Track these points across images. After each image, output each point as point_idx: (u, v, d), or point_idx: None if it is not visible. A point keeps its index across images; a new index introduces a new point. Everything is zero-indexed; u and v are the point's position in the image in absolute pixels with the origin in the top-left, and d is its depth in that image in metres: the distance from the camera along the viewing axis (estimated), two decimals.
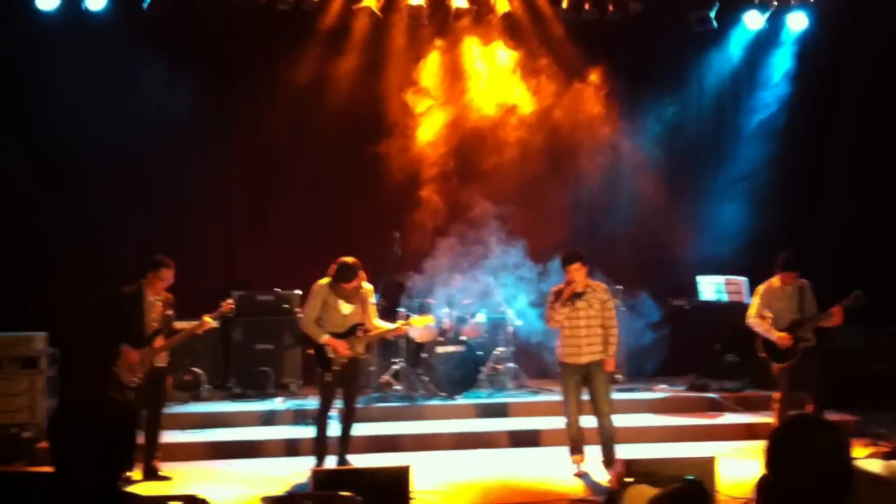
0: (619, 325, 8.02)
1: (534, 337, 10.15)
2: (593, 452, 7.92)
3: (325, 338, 7.72)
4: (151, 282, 7.69)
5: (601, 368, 7.76)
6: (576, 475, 7.80)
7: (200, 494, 5.05)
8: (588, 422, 7.88)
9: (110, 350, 7.55)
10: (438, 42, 11.13)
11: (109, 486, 2.58)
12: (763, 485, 2.71)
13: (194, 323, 7.91)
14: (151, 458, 7.68)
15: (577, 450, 7.88)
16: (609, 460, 7.68)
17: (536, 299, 10.01)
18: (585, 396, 7.86)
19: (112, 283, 8.09)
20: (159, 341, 7.68)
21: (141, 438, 7.49)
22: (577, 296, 7.75)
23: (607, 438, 7.80)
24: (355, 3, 10.74)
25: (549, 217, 11.09)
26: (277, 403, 9.86)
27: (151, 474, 7.63)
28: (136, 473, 7.55)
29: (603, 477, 7.62)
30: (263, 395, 10.18)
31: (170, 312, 7.81)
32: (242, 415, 9.57)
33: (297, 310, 10.05)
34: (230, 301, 8.11)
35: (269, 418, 9.48)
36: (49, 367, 9.01)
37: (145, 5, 10.12)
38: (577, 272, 7.71)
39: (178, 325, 7.96)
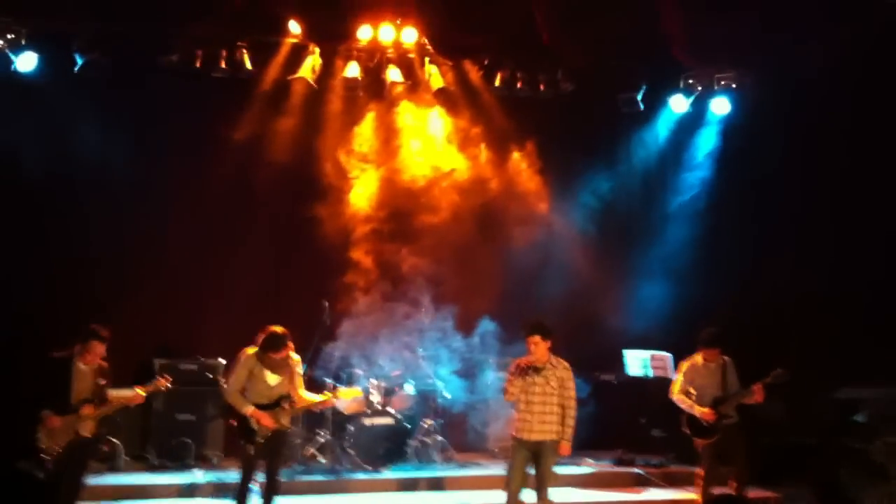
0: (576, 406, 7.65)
1: (462, 409, 10.11)
2: None
3: (249, 409, 7.55)
4: (81, 351, 7.45)
5: (552, 449, 7.51)
6: None
7: None
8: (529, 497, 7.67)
9: (33, 416, 7.24)
10: (373, 107, 11.30)
11: None
12: None
13: (128, 393, 7.64)
14: None
15: None
16: None
17: (465, 370, 10.00)
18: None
19: (40, 345, 7.86)
20: (87, 409, 7.40)
21: None
22: (535, 370, 7.51)
23: None
24: (291, 74, 10.85)
25: (479, 286, 11.13)
26: (197, 476, 9.56)
27: None
28: None
29: None
30: (183, 466, 9.87)
31: (102, 382, 7.55)
32: (161, 487, 9.25)
33: (222, 379, 9.84)
34: (166, 379, 7.89)
35: (188, 491, 9.19)
36: None
37: (77, 67, 10.04)
38: (537, 346, 7.49)
39: (112, 393, 7.65)
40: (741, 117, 12.02)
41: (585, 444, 10.96)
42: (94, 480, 8.82)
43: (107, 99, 10.60)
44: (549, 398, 7.47)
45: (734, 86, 11.85)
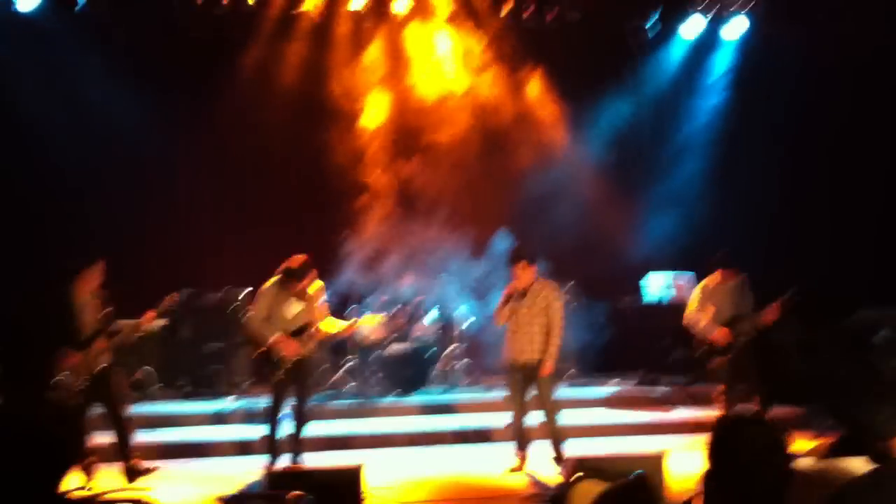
0: (568, 323, 7.94)
1: (485, 333, 10.21)
2: (544, 448, 8.01)
3: (273, 337, 7.67)
4: (80, 280, 7.38)
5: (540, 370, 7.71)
6: (514, 470, 7.80)
7: (147, 496, 4.99)
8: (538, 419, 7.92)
9: (50, 356, 7.23)
10: (381, 36, 11.17)
11: (50, 489, 2.54)
12: (706, 479, 2.77)
13: (132, 322, 7.61)
14: (128, 458, 7.43)
15: (520, 447, 7.88)
16: (559, 457, 7.74)
17: (483, 293, 10.06)
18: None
19: (38, 286, 7.92)
20: (100, 341, 7.38)
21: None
22: (520, 294, 7.70)
23: (553, 436, 7.80)
24: (295, 8, 10.74)
25: (493, 211, 11.04)
26: (228, 402, 9.78)
27: (133, 474, 7.39)
28: (105, 480, 7.28)
29: (553, 473, 7.68)
30: (214, 393, 10.09)
31: (107, 310, 7.50)
32: (193, 414, 9.49)
33: (248, 308, 9.96)
34: (174, 295, 7.79)
35: (220, 417, 9.41)
36: None
37: (79, 7, 9.94)
38: (523, 270, 7.67)
39: (119, 323, 7.63)
40: (756, 40, 11.77)
41: (608, 368, 11.17)
42: (128, 407, 9.10)
43: (111, 37, 10.52)
44: (535, 319, 7.64)
45: (746, 10, 11.54)
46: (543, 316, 7.69)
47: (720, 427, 2.59)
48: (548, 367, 7.67)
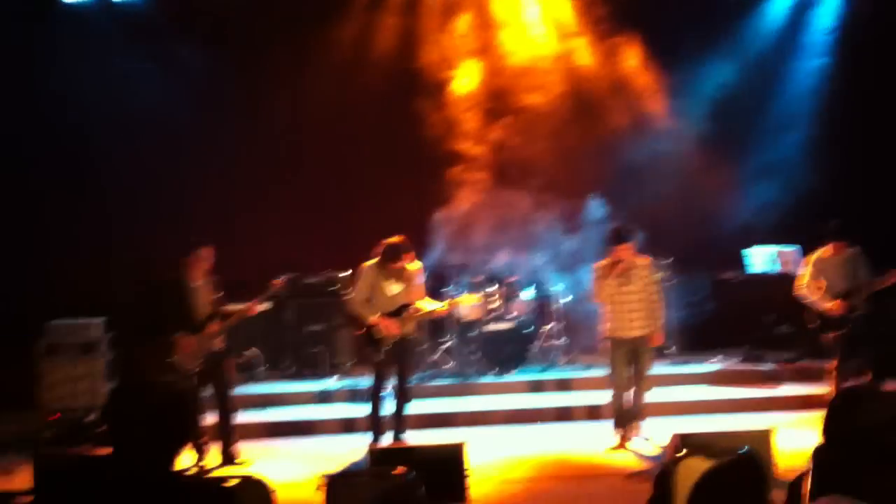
0: (668, 299, 8.10)
1: (582, 312, 10.11)
2: (647, 427, 7.97)
3: (374, 318, 7.78)
4: (192, 265, 7.57)
5: (647, 343, 7.90)
6: (614, 449, 7.84)
7: (257, 474, 5.13)
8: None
9: (165, 340, 7.46)
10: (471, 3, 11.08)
11: (165, 466, 2.63)
12: (819, 454, 2.70)
13: (242, 306, 7.78)
14: (228, 444, 7.66)
15: (620, 423, 7.93)
16: (637, 425, 7.94)
17: (578, 270, 9.95)
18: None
19: (151, 271, 8.17)
20: (213, 325, 7.58)
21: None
22: (621, 272, 7.83)
23: (639, 408, 7.98)
24: None
25: (588, 181, 10.72)
26: (332, 382, 9.98)
27: (229, 460, 7.61)
28: (211, 460, 7.55)
29: (655, 450, 7.59)
30: (318, 374, 10.32)
31: (218, 295, 7.72)
32: (298, 394, 9.73)
33: (347, 290, 10.14)
34: (279, 280, 7.96)
35: (324, 397, 9.63)
36: (107, 352, 9.22)
37: None
38: (627, 251, 7.80)
39: (230, 307, 7.85)
40: None
41: (711, 344, 10.93)
42: (235, 390, 9.39)
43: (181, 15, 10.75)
44: (638, 296, 7.85)
45: None
46: (644, 292, 7.84)
47: (838, 401, 2.52)
48: (658, 338, 7.98)
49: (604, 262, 7.94)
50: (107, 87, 10.56)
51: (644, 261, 7.97)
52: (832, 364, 8.25)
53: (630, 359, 7.91)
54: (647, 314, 7.84)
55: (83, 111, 10.59)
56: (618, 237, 7.84)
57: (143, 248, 10.26)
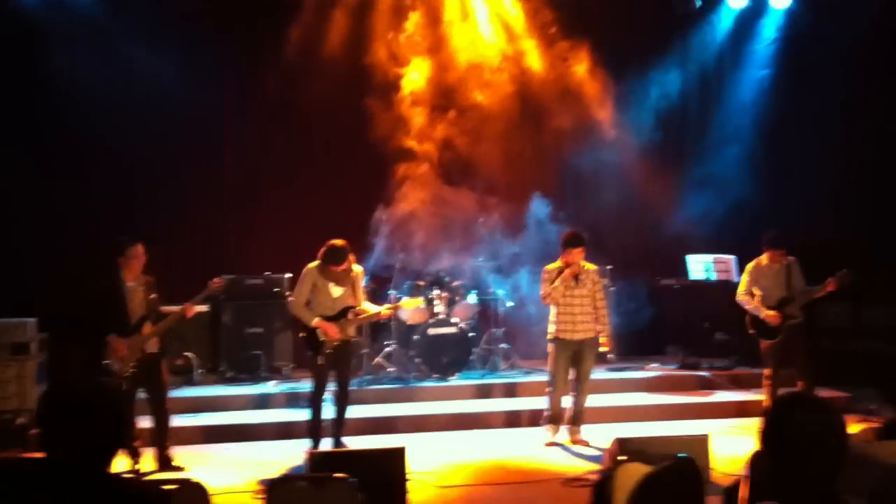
0: (609, 305, 8.35)
1: (524, 317, 10.17)
2: (587, 432, 8.10)
3: (315, 321, 7.71)
4: (125, 265, 7.35)
5: (592, 346, 8.15)
6: (548, 445, 8.14)
7: (195, 478, 5.05)
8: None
9: (97, 342, 7.27)
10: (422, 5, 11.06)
11: (100, 469, 2.57)
12: (755, 461, 2.74)
13: (178, 308, 7.58)
14: (164, 447, 7.49)
15: (555, 421, 8.24)
16: (577, 428, 8.21)
17: (528, 279, 10.01)
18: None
19: (84, 271, 7.98)
20: (147, 328, 7.40)
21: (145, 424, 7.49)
22: (573, 276, 8.05)
23: (579, 410, 8.23)
24: None
25: (533, 189, 10.72)
26: (270, 387, 9.87)
27: (165, 464, 7.44)
28: (145, 464, 7.39)
29: (595, 455, 7.67)
30: (256, 378, 10.18)
31: (153, 296, 7.50)
32: (235, 398, 9.58)
33: (287, 293, 10.05)
34: (216, 280, 7.77)
35: (262, 402, 9.50)
36: (39, 353, 8.98)
37: None
38: (580, 255, 8.06)
39: (166, 308, 7.66)
40: (802, 11, 11.49)
41: (648, 350, 11.09)
42: (170, 393, 9.21)
43: (156, 15, 10.57)
44: (585, 300, 8.10)
45: None
46: (592, 296, 8.13)
47: (776, 408, 2.56)
48: (606, 341, 8.24)
49: (555, 264, 8.14)
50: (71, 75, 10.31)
51: (592, 266, 8.23)
52: (767, 371, 8.41)
53: (573, 361, 8.11)
54: (593, 318, 8.11)
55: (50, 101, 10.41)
56: (573, 240, 8.05)
57: (75, 246, 10.05)
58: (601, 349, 8.29)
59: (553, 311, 8.17)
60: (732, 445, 7.56)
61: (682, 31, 12.00)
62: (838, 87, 11.34)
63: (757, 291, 8.41)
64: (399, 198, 10.38)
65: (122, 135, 10.55)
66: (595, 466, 7.30)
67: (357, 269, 8.04)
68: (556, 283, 8.03)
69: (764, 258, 8.45)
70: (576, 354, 8.10)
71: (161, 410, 7.54)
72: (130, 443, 7.16)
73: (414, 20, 10.90)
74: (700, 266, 10.94)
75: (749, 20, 11.96)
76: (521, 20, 11.29)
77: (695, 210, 11.34)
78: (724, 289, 9.99)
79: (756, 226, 9.66)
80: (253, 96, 11.18)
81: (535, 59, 11.22)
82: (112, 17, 10.49)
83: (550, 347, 8.19)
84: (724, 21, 12.03)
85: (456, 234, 10.42)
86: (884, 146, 11.23)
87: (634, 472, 4.20)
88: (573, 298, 8.05)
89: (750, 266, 8.54)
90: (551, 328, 8.17)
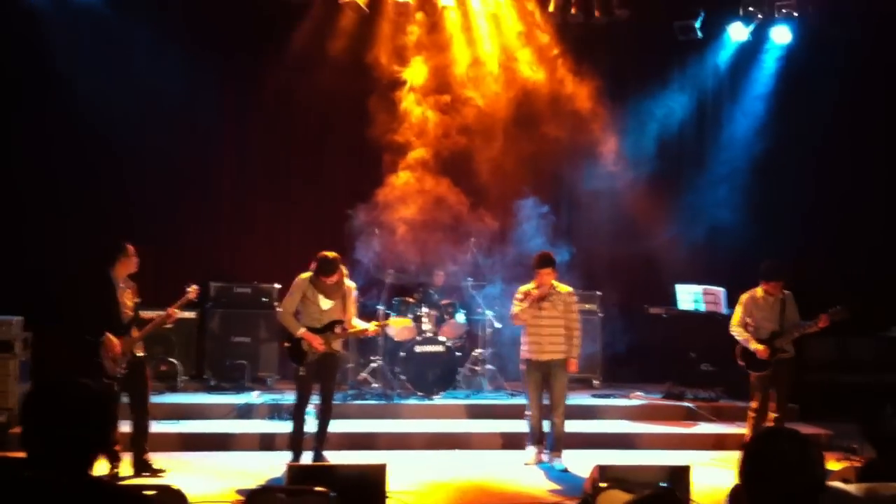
0: (596, 331, 8.26)
1: (512, 339, 10.17)
2: (567, 457, 8.05)
3: (301, 331, 7.69)
4: (117, 265, 7.37)
5: (562, 368, 8.16)
6: (528, 464, 8.22)
7: (175, 485, 5.02)
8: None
9: (91, 341, 7.23)
10: (423, 27, 11.07)
11: (82, 471, 2.55)
12: (735, 494, 2.74)
13: (162, 313, 7.55)
14: (142, 451, 7.45)
15: (537, 440, 8.31)
16: (558, 453, 8.19)
17: (504, 296, 10.01)
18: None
19: (79, 269, 7.96)
20: (134, 331, 7.41)
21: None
22: (542, 297, 8.13)
23: (558, 435, 8.23)
24: None
25: (527, 212, 10.69)
26: (253, 397, 9.82)
27: (143, 468, 7.41)
28: (125, 468, 7.36)
29: (577, 481, 7.65)
30: (239, 387, 10.14)
31: (137, 300, 7.51)
32: (218, 407, 9.53)
33: (276, 303, 10.03)
34: (194, 288, 7.73)
35: (244, 411, 9.45)
36: (23, 352, 8.92)
37: None
38: (548, 276, 8.14)
39: (146, 314, 7.62)
40: (802, 47, 11.60)
41: (634, 378, 11.09)
42: (152, 399, 9.16)
43: (158, 21, 10.60)
44: (555, 321, 8.14)
45: (795, 14, 11.36)
46: (563, 318, 8.17)
47: (755, 441, 2.57)
48: (572, 364, 8.20)
49: (529, 285, 8.24)
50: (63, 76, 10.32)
51: (564, 288, 8.29)
52: (753, 404, 8.39)
53: (544, 383, 8.17)
54: (563, 339, 8.15)
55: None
56: (541, 262, 8.16)
57: (63, 245, 10.02)
58: (569, 371, 8.23)
59: (524, 331, 8.26)
60: (713, 477, 7.57)
61: (682, 60, 12.08)
62: (835, 121, 11.43)
63: (750, 322, 8.38)
64: (392, 210, 10.39)
65: (119, 138, 10.54)
66: (576, 493, 7.29)
67: (350, 283, 8.02)
68: (524, 303, 8.11)
69: (759, 290, 8.40)
70: (545, 376, 8.16)
71: (141, 415, 7.50)
72: (111, 446, 7.12)
73: (413, 36, 10.96)
74: (689, 296, 10.95)
75: (750, 52, 12.03)
76: (523, 42, 11.35)
77: (686, 239, 11.39)
78: (711, 320, 10.01)
79: (747, 257, 9.68)
80: (251, 105, 11.24)
81: (537, 79, 11.25)
82: (117, 20, 10.52)
83: (522, 367, 8.35)
84: (725, 52, 12.12)
85: (447, 252, 10.43)
86: (880, 182, 11.35)
87: (615, 499, 4.20)
88: (542, 319, 8.12)
89: (744, 297, 8.50)
90: (522, 349, 8.31)
